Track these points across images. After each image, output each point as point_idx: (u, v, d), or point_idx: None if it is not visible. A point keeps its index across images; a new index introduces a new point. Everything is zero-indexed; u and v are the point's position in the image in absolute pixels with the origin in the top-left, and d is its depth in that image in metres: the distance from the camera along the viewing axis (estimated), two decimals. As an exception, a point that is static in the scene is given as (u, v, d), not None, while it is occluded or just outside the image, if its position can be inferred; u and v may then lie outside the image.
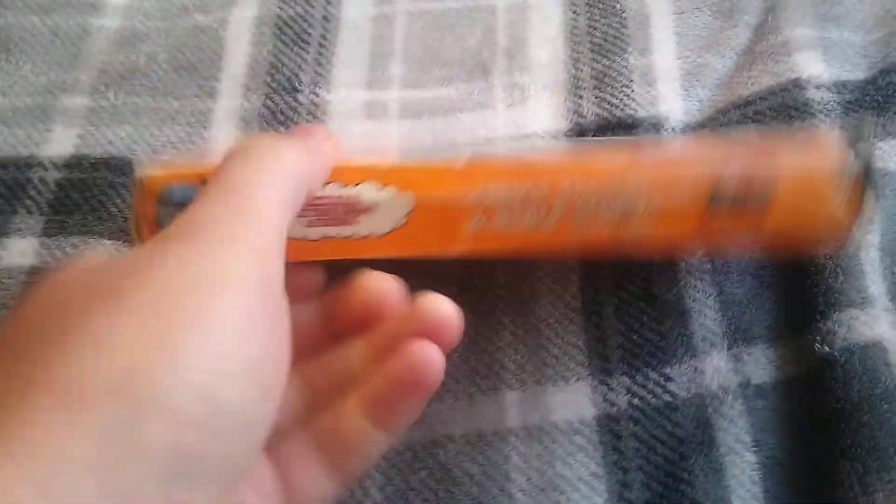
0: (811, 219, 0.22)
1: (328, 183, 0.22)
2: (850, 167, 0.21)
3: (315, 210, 0.22)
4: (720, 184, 0.22)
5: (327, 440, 0.23)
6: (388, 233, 0.22)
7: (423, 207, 0.22)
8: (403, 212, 0.22)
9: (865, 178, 0.21)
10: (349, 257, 0.23)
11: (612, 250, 0.24)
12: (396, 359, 0.23)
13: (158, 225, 0.21)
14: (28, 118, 0.35)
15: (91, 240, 0.32)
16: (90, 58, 0.37)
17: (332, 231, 0.22)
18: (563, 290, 0.31)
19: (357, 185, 0.22)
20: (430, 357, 0.22)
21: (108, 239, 0.32)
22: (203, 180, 0.21)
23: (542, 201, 0.22)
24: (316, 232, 0.22)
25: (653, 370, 0.30)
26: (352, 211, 0.22)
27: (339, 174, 0.22)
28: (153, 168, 0.22)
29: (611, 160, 0.22)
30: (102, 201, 0.33)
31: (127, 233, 0.32)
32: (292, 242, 0.21)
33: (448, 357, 0.30)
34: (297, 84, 0.37)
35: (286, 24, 0.38)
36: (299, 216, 0.22)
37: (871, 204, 0.22)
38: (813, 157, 0.22)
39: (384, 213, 0.22)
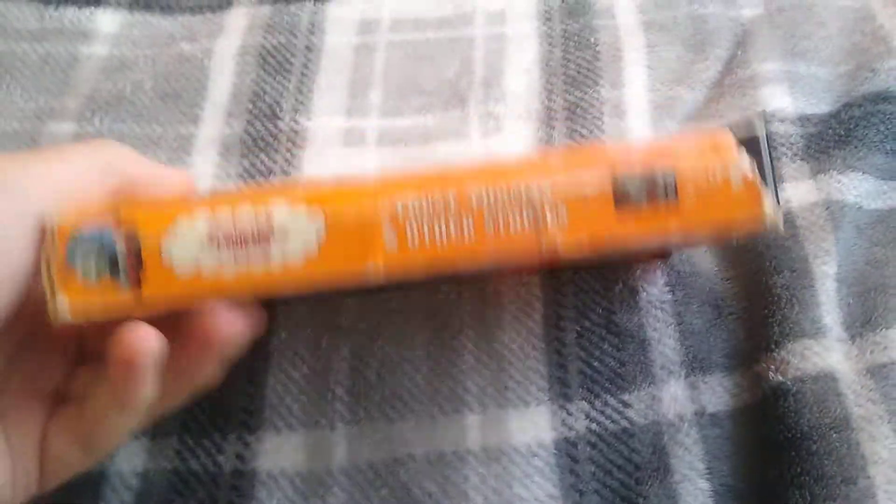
0: (721, 209, 0.23)
1: (239, 205, 0.22)
2: (743, 160, 0.22)
3: (225, 235, 0.22)
4: (622, 184, 0.22)
5: (77, 420, 0.25)
6: (303, 260, 0.22)
7: (335, 226, 0.22)
8: (315, 232, 0.22)
9: (760, 169, 0.23)
10: (267, 293, 0.23)
11: (539, 263, 0.25)
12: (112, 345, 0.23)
13: (70, 265, 0.22)
14: (15, 143, 0.36)
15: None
16: (78, 85, 0.39)
17: (243, 256, 0.22)
18: (527, 317, 0.32)
19: (267, 205, 0.22)
20: (141, 337, 0.22)
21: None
22: (118, 220, 0.22)
23: (452, 210, 0.22)
24: (230, 266, 0.22)
25: (612, 396, 0.30)
26: (263, 235, 0.22)
27: (248, 197, 0.22)
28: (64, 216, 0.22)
29: (515, 167, 0.23)
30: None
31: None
32: (210, 280, 0.22)
33: (412, 379, 0.31)
34: (277, 111, 0.38)
35: (269, 53, 0.40)
36: (210, 242, 0.22)
37: (776, 191, 0.23)
38: (708, 151, 0.23)
39: (296, 235, 0.22)
